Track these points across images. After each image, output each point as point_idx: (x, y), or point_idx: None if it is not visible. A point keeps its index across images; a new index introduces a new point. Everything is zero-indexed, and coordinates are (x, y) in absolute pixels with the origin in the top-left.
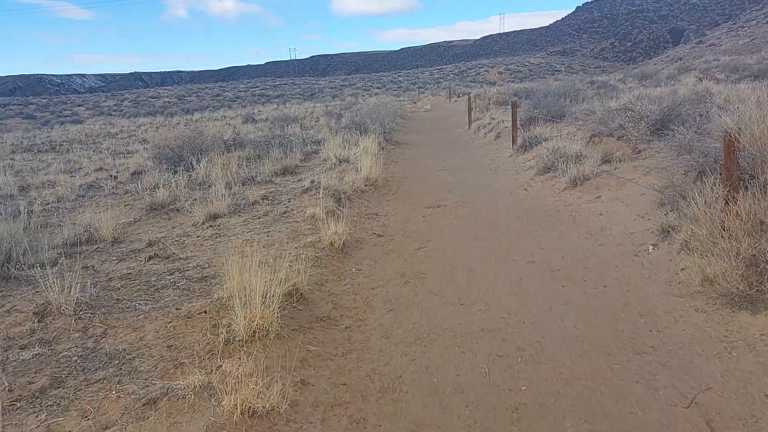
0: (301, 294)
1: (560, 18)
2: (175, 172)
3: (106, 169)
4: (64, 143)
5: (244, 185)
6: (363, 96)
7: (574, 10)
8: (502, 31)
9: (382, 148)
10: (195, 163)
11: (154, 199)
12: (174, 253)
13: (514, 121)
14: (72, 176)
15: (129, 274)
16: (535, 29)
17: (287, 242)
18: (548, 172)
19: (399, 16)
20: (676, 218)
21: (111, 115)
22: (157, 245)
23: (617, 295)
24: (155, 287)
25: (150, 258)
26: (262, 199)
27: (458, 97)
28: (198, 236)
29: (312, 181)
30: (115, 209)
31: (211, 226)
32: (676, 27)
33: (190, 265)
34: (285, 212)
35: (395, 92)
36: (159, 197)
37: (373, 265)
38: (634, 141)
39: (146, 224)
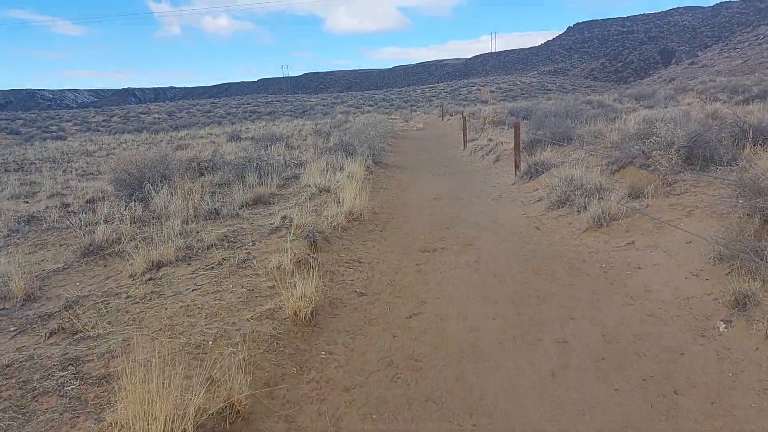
0: (239, 411)
1: (551, 38)
2: (128, 202)
3: (63, 194)
4: (36, 162)
5: (206, 220)
6: (354, 114)
7: (565, 30)
8: (493, 51)
9: (371, 172)
10: (154, 191)
11: (93, 238)
12: (84, 328)
13: (517, 144)
14: (24, 202)
15: (10, 365)
16: (527, 49)
17: (239, 309)
18: (562, 206)
19: (390, 35)
20: (755, 285)
21: (98, 131)
22: (73, 309)
23: (698, 413)
24: (34, 393)
25: (52, 334)
26: (221, 240)
27: (451, 115)
28: (129, 296)
29: (284, 217)
30: (46, 250)
31: (151, 279)
32: (666, 48)
33: (98, 349)
34: (245, 261)
35: (387, 110)
36: (99, 237)
37: (351, 345)
38: (664, 172)
39: (76, 272)
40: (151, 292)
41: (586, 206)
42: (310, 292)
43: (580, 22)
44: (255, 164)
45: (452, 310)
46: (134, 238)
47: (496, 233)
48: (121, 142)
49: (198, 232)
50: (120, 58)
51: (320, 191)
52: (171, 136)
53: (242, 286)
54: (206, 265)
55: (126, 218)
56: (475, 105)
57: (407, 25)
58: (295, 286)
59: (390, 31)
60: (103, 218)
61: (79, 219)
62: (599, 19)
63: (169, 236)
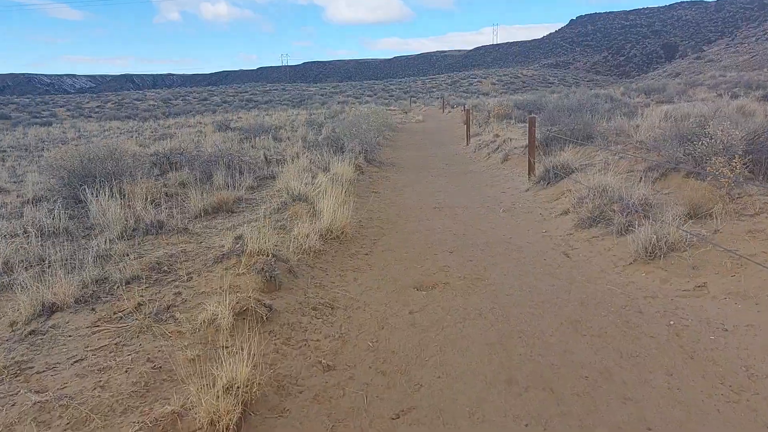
0: None
1: (553, 31)
2: (53, 209)
3: (7, 191)
4: (8, 149)
5: (146, 234)
6: (353, 104)
7: (567, 23)
8: (495, 43)
9: (362, 172)
10: (92, 194)
11: None
12: None
13: (531, 143)
14: None
15: None
16: (528, 41)
17: (125, 410)
18: (595, 224)
19: (391, 26)
20: None
21: (91, 117)
22: None
23: None
24: None
25: None
26: (150, 270)
27: (452, 107)
28: None
29: (238, 238)
30: None
31: (33, 332)
32: (669, 42)
33: None
34: (169, 307)
35: (386, 101)
36: None
37: None
38: (728, 184)
39: None
40: (15, 363)
41: (629, 227)
42: (244, 375)
43: (582, 15)
44: (227, 161)
45: (461, 402)
46: (42, 262)
47: (513, 260)
48: (106, 130)
49: (127, 255)
50: (119, 44)
51: (294, 199)
52: (159, 124)
53: (148, 359)
54: (115, 313)
55: (30, 233)
56: (477, 97)
57: (409, 15)
58: (224, 362)
59: (391, 21)
60: (3, 233)
61: None
62: (602, 12)
63: (82, 262)
